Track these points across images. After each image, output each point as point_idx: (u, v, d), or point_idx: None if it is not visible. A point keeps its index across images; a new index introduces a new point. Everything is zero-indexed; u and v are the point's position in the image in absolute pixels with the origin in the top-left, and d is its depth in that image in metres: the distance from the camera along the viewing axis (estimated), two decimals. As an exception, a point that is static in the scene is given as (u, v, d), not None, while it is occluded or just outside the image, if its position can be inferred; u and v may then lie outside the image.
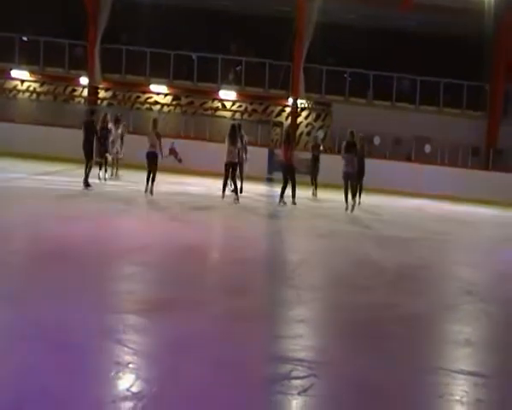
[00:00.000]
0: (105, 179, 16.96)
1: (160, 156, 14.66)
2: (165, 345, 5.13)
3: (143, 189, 14.58)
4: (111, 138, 17.48)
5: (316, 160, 18.59)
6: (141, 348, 4.98)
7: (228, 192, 15.01)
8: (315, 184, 18.39)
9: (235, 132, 14.71)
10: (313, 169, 18.60)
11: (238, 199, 14.69)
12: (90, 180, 14.57)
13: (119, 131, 17.99)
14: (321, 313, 6.78)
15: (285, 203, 15.04)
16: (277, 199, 15.21)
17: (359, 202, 16.13)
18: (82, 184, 14.29)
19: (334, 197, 16.85)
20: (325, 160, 18.80)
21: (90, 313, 5.68)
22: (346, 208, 14.98)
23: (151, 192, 14.42)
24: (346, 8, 24.51)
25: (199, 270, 8.05)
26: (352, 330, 6.05)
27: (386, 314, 6.62)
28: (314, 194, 18.21)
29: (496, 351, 5.89)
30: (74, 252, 8.17)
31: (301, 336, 5.62)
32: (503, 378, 5.22)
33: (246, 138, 16.21)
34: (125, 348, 4.86)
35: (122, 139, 18.13)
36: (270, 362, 4.91)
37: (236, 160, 14.81)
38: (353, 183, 15.19)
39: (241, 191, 15.27)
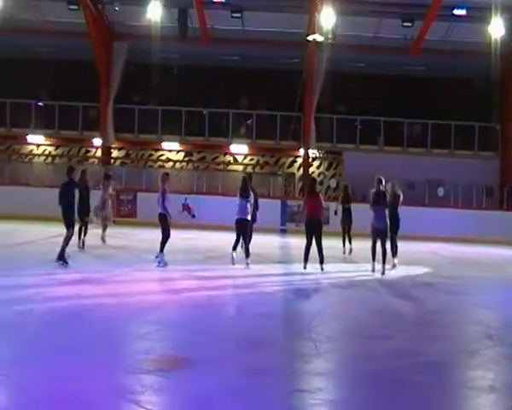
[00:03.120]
0: (83, 246, 14.56)
1: (168, 216, 12.72)
2: (184, 404, 5.09)
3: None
4: (99, 200, 15.80)
5: (348, 211, 16.42)
6: (159, 408, 4.95)
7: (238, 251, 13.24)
8: (349, 238, 16.23)
9: (246, 185, 13.20)
10: (346, 222, 16.37)
11: (248, 264, 12.94)
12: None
13: (110, 190, 16.29)
14: (340, 364, 6.70)
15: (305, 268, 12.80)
16: (302, 264, 12.89)
17: (394, 264, 13.66)
18: (56, 259, 11.92)
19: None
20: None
21: (106, 372, 5.66)
22: (373, 270, 12.90)
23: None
24: (355, 56, 24.93)
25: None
26: (373, 381, 5.96)
27: (406, 363, 6.53)
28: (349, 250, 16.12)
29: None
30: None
31: (321, 390, 5.55)
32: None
33: (257, 192, 14.44)
34: (143, 409, 4.83)
35: (111, 200, 16.47)
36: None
37: (249, 216, 13.12)
38: (384, 241, 12.94)
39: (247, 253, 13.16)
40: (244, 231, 13.05)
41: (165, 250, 12.66)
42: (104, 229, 15.89)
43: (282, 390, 5.57)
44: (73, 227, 12.40)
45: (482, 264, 16.74)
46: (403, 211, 14.06)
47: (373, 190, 13.16)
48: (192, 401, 5.13)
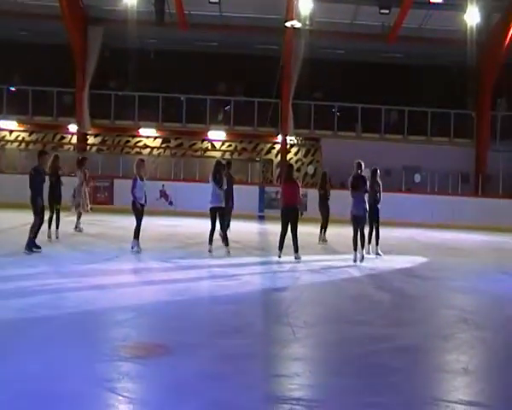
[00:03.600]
0: (57, 237, 13.88)
1: (136, 203, 12.60)
2: (161, 391, 5.07)
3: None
4: (75, 186, 15.49)
5: (325, 199, 16.09)
6: (136, 395, 4.92)
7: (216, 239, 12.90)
8: (325, 227, 15.91)
9: (219, 171, 12.80)
10: (323, 209, 16.02)
11: (229, 252, 12.67)
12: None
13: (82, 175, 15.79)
14: (317, 349, 6.73)
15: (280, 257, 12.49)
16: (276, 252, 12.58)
17: (378, 254, 13.51)
18: (24, 248, 11.67)
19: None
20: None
21: (82, 360, 5.62)
22: (355, 260, 12.53)
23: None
24: (333, 43, 24.95)
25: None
26: (349, 366, 6.00)
27: (383, 347, 6.59)
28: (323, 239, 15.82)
29: (493, 379, 5.87)
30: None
31: (298, 375, 5.58)
32: (502, 407, 5.18)
33: (234, 178, 14.29)
34: (120, 397, 4.80)
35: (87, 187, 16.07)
36: (269, 403, 4.87)
37: (223, 203, 12.75)
38: (363, 228, 12.67)
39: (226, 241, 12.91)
40: (221, 218, 12.71)
41: (141, 237, 12.58)
42: (78, 217, 15.57)
43: (259, 375, 5.59)
44: (40, 214, 12.01)
45: (458, 249, 16.94)
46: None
47: (352, 176, 12.79)
48: (169, 387, 5.11)
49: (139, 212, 12.66)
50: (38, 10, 23.67)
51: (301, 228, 12.75)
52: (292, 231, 12.44)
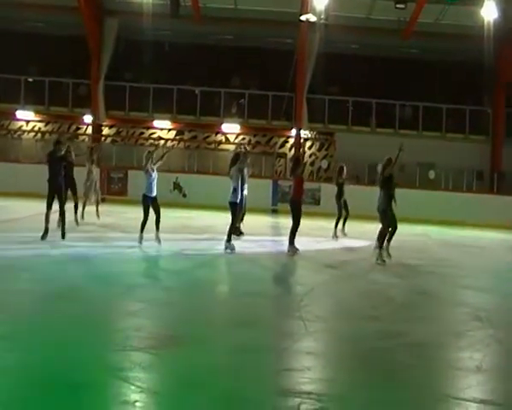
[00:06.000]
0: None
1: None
2: (172, 382, 5.09)
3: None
4: (88, 175, 15.60)
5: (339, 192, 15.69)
6: (148, 385, 4.94)
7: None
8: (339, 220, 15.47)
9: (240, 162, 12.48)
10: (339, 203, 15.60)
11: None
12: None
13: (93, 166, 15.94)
14: (329, 344, 6.72)
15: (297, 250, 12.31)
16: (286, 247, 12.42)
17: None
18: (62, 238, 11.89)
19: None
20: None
21: (95, 350, 5.65)
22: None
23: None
24: (348, 37, 24.75)
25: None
26: (361, 362, 5.98)
27: (395, 343, 6.56)
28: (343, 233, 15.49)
29: (507, 378, 5.82)
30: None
31: (309, 369, 5.57)
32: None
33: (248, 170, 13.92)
34: (132, 386, 4.82)
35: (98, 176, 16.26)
36: (279, 396, 4.87)
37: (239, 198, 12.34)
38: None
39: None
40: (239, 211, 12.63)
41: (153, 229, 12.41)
42: (83, 206, 15.46)
43: (270, 369, 5.59)
44: (48, 200, 11.90)
45: (472, 247, 16.84)
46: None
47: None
48: (181, 378, 5.13)
49: (148, 206, 12.25)
50: (55, 2, 23.74)
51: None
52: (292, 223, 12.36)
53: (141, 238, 12.18)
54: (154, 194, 12.30)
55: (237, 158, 12.74)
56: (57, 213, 12.27)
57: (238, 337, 6.44)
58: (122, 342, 5.93)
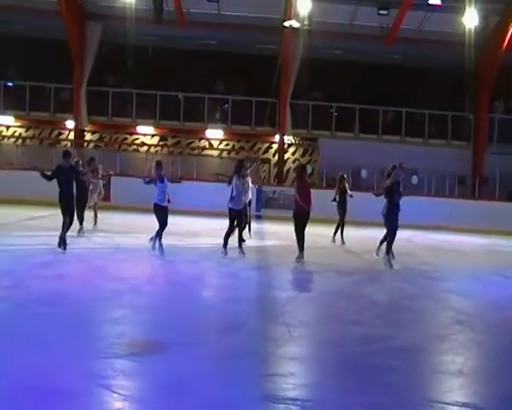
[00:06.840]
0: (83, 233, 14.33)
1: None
2: (156, 389, 5.06)
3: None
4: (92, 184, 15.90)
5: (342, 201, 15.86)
6: (131, 392, 4.91)
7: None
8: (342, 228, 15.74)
9: (241, 169, 12.53)
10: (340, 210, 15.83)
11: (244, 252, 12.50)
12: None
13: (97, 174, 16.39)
14: (313, 349, 6.73)
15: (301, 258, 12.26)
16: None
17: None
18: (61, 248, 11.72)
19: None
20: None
21: (77, 357, 5.60)
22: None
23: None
24: (331, 43, 24.91)
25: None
26: (345, 366, 5.99)
27: (379, 347, 6.58)
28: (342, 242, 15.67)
29: (488, 381, 5.87)
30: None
31: (293, 375, 5.57)
32: (496, 408, 5.19)
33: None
34: (115, 394, 4.78)
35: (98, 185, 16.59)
36: (264, 402, 4.86)
37: (242, 206, 12.55)
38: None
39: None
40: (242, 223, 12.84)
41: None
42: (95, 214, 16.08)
43: (254, 375, 5.57)
44: (65, 213, 11.91)
45: (454, 251, 16.95)
46: (376, 198, 14.05)
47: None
48: (164, 385, 5.10)
49: (160, 214, 12.40)
50: (36, 5, 23.55)
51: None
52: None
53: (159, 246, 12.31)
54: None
55: (240, 166, 12.72)
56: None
57: (222, 343, 6.43)
58: (105, 349, 5.88)
